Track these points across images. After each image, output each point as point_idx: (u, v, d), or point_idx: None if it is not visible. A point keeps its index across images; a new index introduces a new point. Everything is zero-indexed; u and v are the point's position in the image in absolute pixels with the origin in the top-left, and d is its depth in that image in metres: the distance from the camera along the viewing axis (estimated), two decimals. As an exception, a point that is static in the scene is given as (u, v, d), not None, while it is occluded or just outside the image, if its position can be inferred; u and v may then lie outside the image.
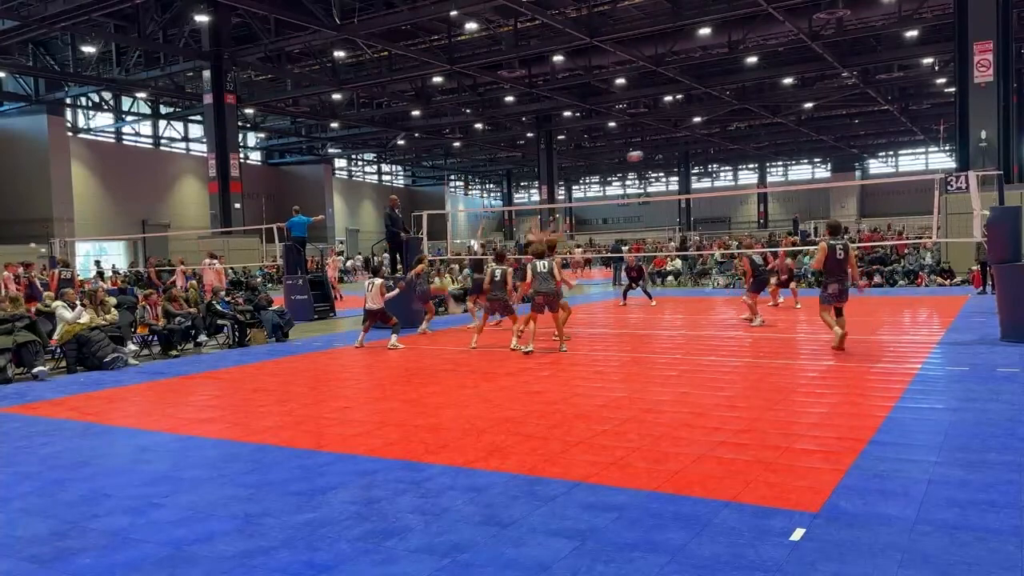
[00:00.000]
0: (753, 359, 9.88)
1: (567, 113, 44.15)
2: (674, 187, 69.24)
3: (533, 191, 74.87)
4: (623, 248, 36.36)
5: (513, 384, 8.55)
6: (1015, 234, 10.66)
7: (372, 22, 25.41)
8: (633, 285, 18.44)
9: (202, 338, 12.93)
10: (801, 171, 68.31)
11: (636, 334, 12.86)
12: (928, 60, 32.03)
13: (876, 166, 64.84)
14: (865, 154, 62.07)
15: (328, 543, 4.08)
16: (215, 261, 20.12)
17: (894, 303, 16.72)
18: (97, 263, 33.19)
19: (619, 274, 26.86)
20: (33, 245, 29.87)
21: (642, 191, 75.71)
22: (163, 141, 45.88)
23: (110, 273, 29.94)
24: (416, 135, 48.04)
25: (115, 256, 41.48)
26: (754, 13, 25.19)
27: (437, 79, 34.36)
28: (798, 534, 3.94)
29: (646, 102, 41.42)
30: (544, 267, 11.05)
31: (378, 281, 12.52)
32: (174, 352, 12.09)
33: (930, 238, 19.71)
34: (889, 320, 13.87)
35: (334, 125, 43.60)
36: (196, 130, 45.49)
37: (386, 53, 30.63)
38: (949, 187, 13.04)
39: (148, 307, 12.60)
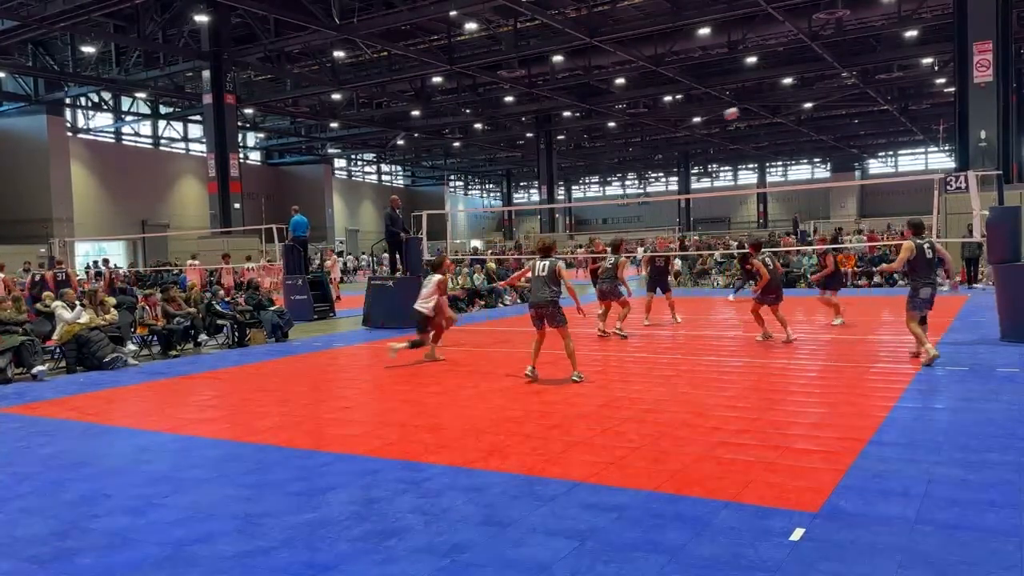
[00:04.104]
0: (753, 359, 9.88)
1: (567, 113, 44.15)
2: (674, 187, 69.23)
3: (533, 191, 74.85)
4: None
5: (513, 384, 8.54)
6: (1015, 234, 10.66)
7: (372, 22, 25.40)
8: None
9: (202, 338, 12.93)
10: (801, 171, 68.35)
11: (636, 334, 12.86)
12: (928, 60, 32.05)
13: (876, 166, 64.87)
14: (865, 154, 62.09)
15: (328, 543, 4.08)
16: (195, 261, 20.52)
17: (894, 303, 16.71)
18: (95, 263, 33.20)
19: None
20: (42, 250, 29.68)
21: (642, 191, 75.71)
22: (163, 141, 45.88)
23: (113, 265, 29.99)
24: (416, 135, 48.04)
25: (115, 256, 41.47)
26: (754, 13, 25.20)
27: (437, 79, 34.36)
28: (798, 534, 3.95)
29: (646, 102, 41.43)
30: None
31: (436, 277, 10.43)
32: (174, 352, 12.09)
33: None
34: (889, 320, 13.86)
35: (334, 125, 43.61)
36: (196, 130, 45.49)
37: (386, 53, 30.62)
38: (949, 187, 13.04)
39: (147, 307, 12.60)
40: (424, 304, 10.11)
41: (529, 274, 8.91)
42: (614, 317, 12.49)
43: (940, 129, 44.93)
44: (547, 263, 8.67)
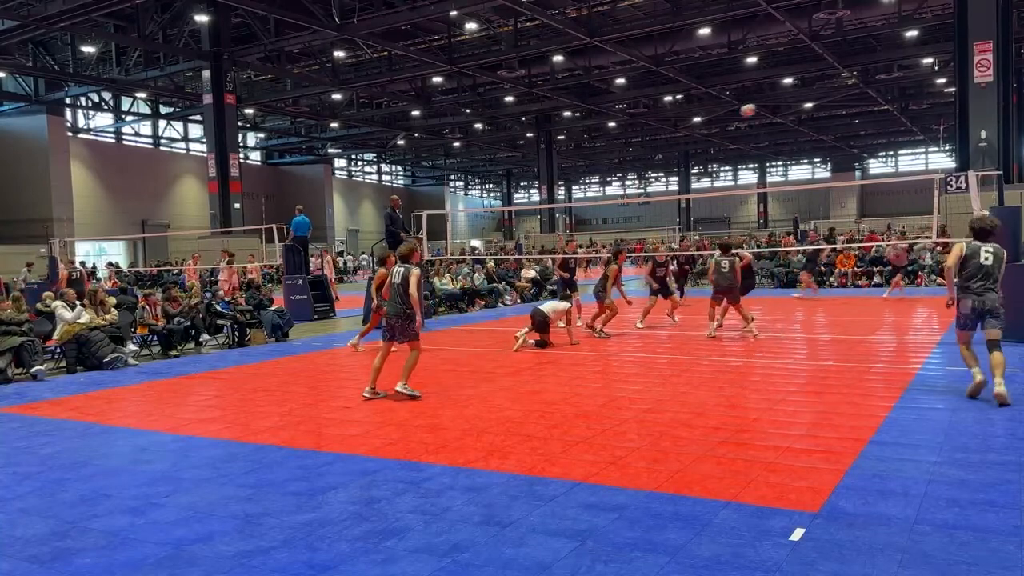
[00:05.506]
0: (753, 359, 9.88)
1: (567, 113, 44.16)
2: (674, 187, 69.26)
3: (533, 191, 74.90)
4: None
5: (513, 384, 8.55)
6: (1015, 234, 10.65)
7: (372, 22, 25.40)
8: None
9: (203, 338, 12.93)
10: (801, 171, 68.37)
11: (636, 334, 12.87)
12: (928, 60, 32.05)
13: (876, 166, 64.90)
14: (865, 154, 62.12)
15: (328, 543, 4.08)
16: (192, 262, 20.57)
17: (894, 303, 16.72)
18: (82, 263, 33.14)
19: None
20: (42, 250, 29.60)
21: (642, 191, 75.73)
22: (163, 141, 45.89)
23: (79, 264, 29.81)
24: (416, 135, 48.05)
25: (115, 256, 41.52)
26: (754, 13, 25.20)
27: (437, 79, 34.37)
28: (798, 534, 3.95)
29: (646, 102, 41.43)
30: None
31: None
32: (174, 352, 12.09)
33: (929, 238, 19.73)
34: (889, 320, 13.87)
35: (334, 125, 43.61)
36: (196, 130, 45.50)
37: (386, 53, 30.63)
38: (949, 187, 13.01)
39: (148, 307, 12.60)
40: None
41: (388, 285, 8.12)
42: (598, 317, 12.81)
43: (940, 129, 44.94)
44: (402, 271, 7.91)
